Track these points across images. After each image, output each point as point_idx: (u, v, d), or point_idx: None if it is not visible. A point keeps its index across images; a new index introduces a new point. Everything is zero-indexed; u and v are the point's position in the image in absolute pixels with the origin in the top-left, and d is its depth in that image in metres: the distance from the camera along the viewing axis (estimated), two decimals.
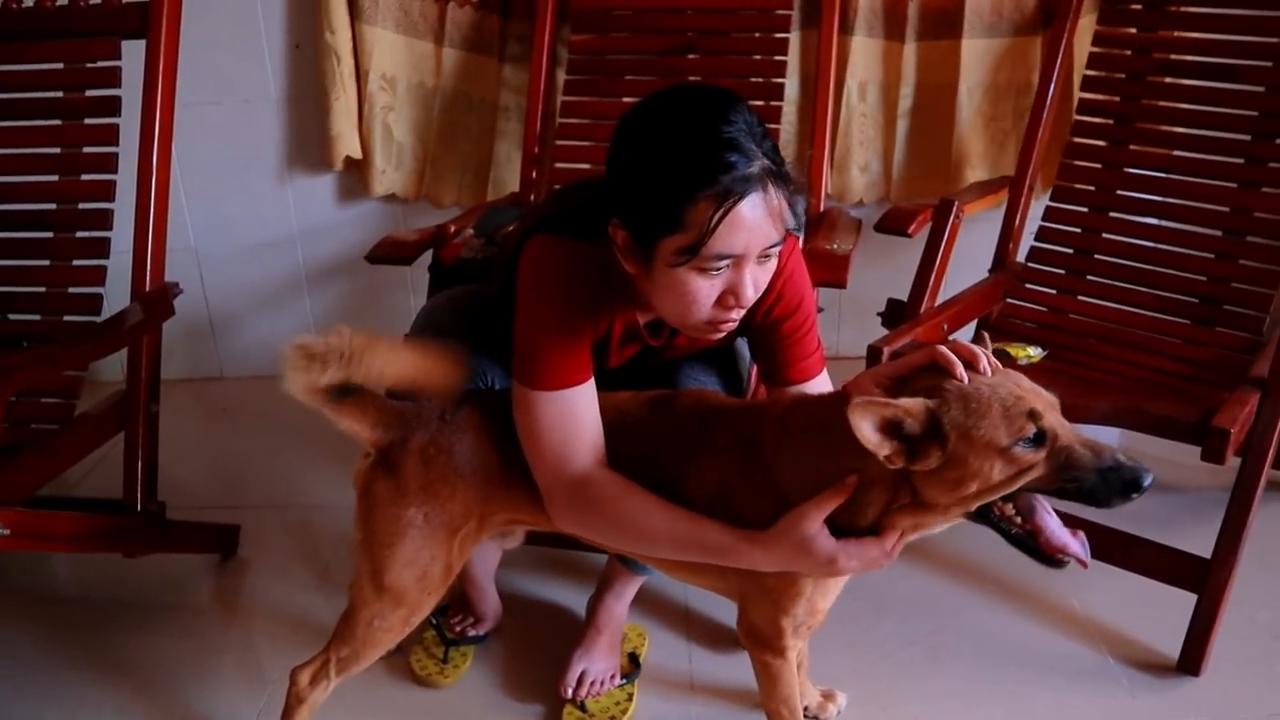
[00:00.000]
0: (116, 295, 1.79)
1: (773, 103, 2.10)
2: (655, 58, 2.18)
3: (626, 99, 2.12)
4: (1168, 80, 1.93)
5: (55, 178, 1.83)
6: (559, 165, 2.22)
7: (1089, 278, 1.94)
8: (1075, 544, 1.09)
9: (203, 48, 2.21)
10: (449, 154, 2.42)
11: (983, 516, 1.09)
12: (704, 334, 1.19)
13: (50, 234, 1.83)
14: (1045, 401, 1.05)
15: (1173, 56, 1.94)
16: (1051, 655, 1.65)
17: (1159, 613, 1.66)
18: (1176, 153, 1.91)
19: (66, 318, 1.81)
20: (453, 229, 1.94)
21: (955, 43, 2.20)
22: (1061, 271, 1.97)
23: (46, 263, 1.83)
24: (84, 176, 1.82)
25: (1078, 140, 2.00)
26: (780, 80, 2.11)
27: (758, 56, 2.13)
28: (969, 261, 2.03)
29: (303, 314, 2.67)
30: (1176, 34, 1.93)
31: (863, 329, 1.95)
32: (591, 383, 1.23)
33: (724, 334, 1.20)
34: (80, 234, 1.82)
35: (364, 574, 1.29)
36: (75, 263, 1.82)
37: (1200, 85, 1.89)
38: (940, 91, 2.25)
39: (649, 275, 1.14)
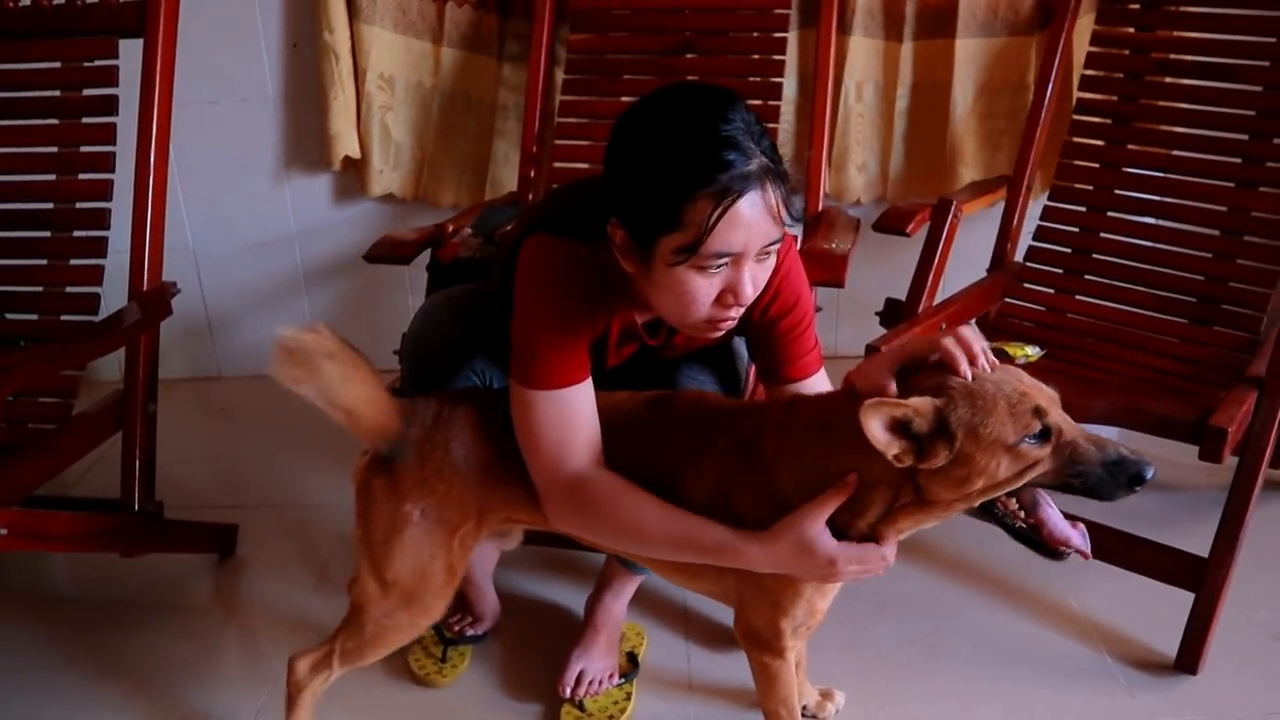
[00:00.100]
0: (114, 295, 1.79)
1: (771, 102, 2.10)
2: (654, 57, 2.18)
3: (625, 98, 2.12)
4: (1166, 80, 1.94)
5: (53, 177, 1.83)
6: (557, 164, 2.22)
7: (1087, 277, 1.94)
8: (1077, 536, 1.10)
9: (200, 47, 2.21)
10: (447, 153, 2.42)
11: (987, 512, 1.10)
12: (703, 332, 1.19)
13: (48, 233, 1.83)
14: (1048, 397, 1.06)
15: (1171, 56, 1.94)
16: (1049, 654, 1.65)
17: (1157, 612, 1.66)
18: (1175, 152, 1.91)
19: (64, 317, 1.81)
20: (451, 228, 1.94)
21: (950, 42, 2.20)
22: (1059, 271, 1.97)
23: (44, 262, 1.83)
24: (81, 176, 1.81)
25: (1076, 140, 2.00)
26: (778, 80, 2.11)
27: (756, 56, 2.13)
28: (967, 261, 2.03)
29: (301, 313, 2.66)
30: (1175, 34, 1.94)
31: (861, 328, 1.96)
32: (589, 382, 1.23)
33: (723, 332, 1.20)
34: (78, 233, 1.81)
35: (365, 570, 1.29)
36: (73, 262, 1.81)
37: (1198, 85, 1.89)
38: (936, 91, 2.26)
39: (648, 274, 1.14)
